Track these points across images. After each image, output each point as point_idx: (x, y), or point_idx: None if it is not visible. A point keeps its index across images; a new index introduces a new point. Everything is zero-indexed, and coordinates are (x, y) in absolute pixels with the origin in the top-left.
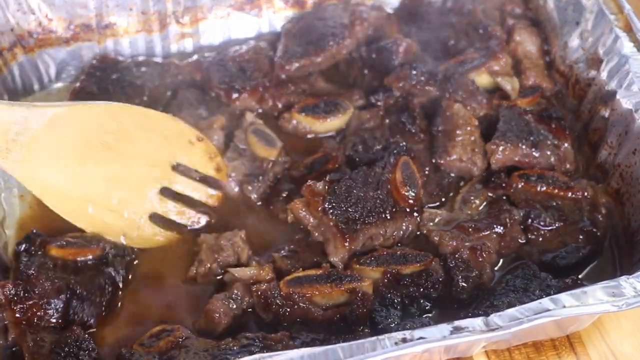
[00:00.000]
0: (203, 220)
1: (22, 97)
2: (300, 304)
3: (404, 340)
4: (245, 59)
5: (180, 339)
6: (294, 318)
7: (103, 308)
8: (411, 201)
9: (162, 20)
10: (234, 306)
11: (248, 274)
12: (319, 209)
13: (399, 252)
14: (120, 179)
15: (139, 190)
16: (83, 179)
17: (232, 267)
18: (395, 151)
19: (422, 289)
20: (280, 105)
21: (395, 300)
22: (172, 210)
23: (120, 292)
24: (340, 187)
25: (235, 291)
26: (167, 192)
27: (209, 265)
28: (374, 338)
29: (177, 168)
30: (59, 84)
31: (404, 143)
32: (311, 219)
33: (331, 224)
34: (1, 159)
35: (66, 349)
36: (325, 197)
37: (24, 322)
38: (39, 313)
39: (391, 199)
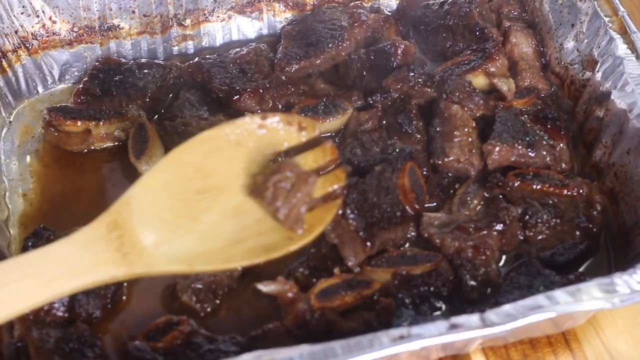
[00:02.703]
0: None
1: (25, 98)
2: (329, 317)
3: (401, 337)
4: (246, 61)
5: (186, 332)
6: (322, 330)
7: (108, 300)
8: (417, 206)
9: (164, 23)
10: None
11: (274, 289)
12: (339, 212)
13: (408, 253)
14: (240, 207)
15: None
16: (209, 230)
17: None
18: (401, 155)
19: (432, 289)
20: (280, 106)
21: (407, 301)
22: (318, 186)
23: (125, 284)
24: (358, 192)
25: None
26: None
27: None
28: (371, 335)
29: (279, 157)
30: (62, 86)
31: (409, 147)
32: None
33: (351, 228)
34: (128, 266)
35: (70, 344)
36: (345, 202)
37: (31, 318)
38: (45, 307)
39: (400, 204)
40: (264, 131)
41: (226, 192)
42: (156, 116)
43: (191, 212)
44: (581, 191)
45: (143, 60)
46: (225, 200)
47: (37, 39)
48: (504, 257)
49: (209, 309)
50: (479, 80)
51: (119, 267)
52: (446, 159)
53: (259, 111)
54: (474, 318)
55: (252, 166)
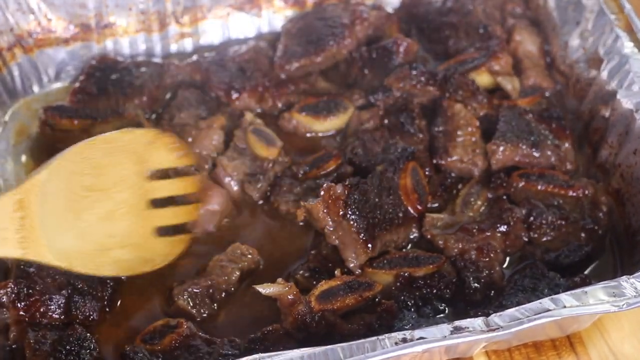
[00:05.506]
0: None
1: (21, 97)
2: (330, 319)
3: (404, 340)
4: (245, 59)
5: (184, 335)
6: (322, 333)
7: (105, 302)
8: (420, 207)
9: (161, 20)
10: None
11: (274, 291)
12: (340, 213)
13: (410, 255)
14: (112, 213)
15: (132, 214)
16: (86, 230)
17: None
18: (403, 155)
19: (435, 291)
20: (280, 105)
21: (409, 303)
22: (170, 216)
23: (122, 287)
24: (360, 193)
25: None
26: (157, 202)
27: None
28: (374, 338)
29: (153, 176)
30: (58, 84)
31: (411, 147)
32: (330, 222)
33: (352, 229)
34: (23, 250)
35: (67, 347)
36: (347, 202)
37: (26, 320)
38: (41, 309)
39: (402, 204)
40: (150, 147)
41: (106, 194)
42: (154, 115)
43: (76, 208)
44: (587, 192)
45: (140, 58)
46: (103, 202)
47: (32, 37)
48: (508, 258)
49: (205, 314)
50: (482, 79)
51: (16, 250)
52: (449, 159)
53: (259, 110)
54: (477, 321)
55: (134, 177)
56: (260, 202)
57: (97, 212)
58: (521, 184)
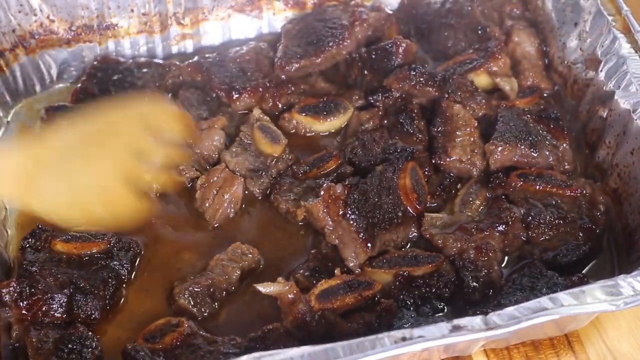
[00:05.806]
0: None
1: (23, 98)
2: (330, 318)
3: (404, 339)
4: (246, 60)
5: (185, 334)
6: (322, 332)
7: (107, 301)
8: (419, 206)
9: (163, 21)
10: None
11: (274, 290)
12: (340, 213)
13: (409, 254)
14: (102, 166)
15: (122, 166)
16: (76, 179)
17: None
18: (402, 155)
19: (434, 290)
20: (280, 105)
21: (408, 302)
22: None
23: (125, 286)
24: (359, 192)
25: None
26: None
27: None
28: (373, 336)
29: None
30: (60, 85)
31: (410, 147)
32: (329, 221)
33: (352, 229)
34: (9, 197)
35: (70, 345)
36: (346, 202)
37: (29, 319)
38: (43, 308)
39: (401, 204)
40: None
41: (109, 144)
42: None
43: (78, 158)
44: (584, 192)
45: (142, 59)
46: (102, 151)
47: (34, 38)
48: (506, 258)
49: (206, 313)
50: (481, 80)
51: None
52: (448, 159)
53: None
54: (476, 320)
55: (133, 134)
56: (260, 197)
57: (93, 162)
58: (519, 184)
